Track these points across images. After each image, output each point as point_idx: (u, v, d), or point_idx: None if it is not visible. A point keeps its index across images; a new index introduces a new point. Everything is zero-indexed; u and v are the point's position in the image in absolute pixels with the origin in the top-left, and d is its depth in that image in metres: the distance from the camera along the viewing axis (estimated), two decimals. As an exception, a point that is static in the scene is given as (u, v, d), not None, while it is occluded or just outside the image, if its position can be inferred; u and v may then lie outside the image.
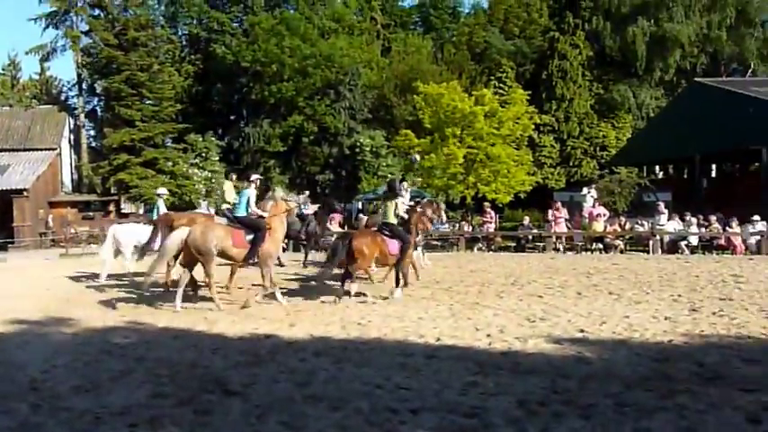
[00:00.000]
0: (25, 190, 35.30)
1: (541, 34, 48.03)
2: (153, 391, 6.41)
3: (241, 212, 11.89)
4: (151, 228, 15.09)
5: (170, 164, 40.25)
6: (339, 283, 12.30)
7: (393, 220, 12.72)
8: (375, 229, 13.26)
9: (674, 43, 45.55)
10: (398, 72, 46.26)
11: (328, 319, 10.07)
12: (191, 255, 11.48)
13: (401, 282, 12.46)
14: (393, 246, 12.30)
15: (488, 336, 8.54)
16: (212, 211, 17.65)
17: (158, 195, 17.38)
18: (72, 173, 43.48)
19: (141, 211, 39.46)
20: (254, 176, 12.77)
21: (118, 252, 16.06)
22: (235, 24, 47.62)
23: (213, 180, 39.74)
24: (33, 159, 37.98)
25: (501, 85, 43.10)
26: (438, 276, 15.14)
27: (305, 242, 18.96)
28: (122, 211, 40.12)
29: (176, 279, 12.75)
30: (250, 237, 11.56)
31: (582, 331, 8.64)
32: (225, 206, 13.86)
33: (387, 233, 12.46)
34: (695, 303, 10.57)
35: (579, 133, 45.87)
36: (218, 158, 42.14)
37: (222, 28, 46.47)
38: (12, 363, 7.81)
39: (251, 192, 12.04)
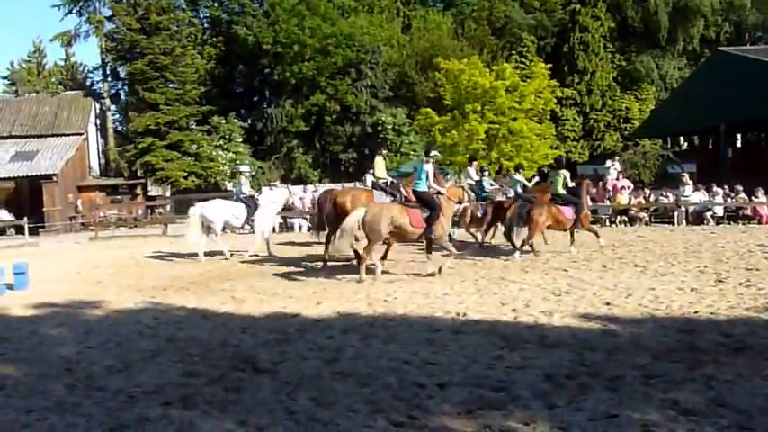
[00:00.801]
0: (54, 175, 35.69)
1: (562, 7, 47.38)
2: (184, 370, 6.52)
3: (421, 187, 11.92)
4: (238, 205, 16.30)
5: (195, 146, 40.58)
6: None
7: (562, 191, 14.47)
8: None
9: (696, 13, 44.94)
10: (419, 49, 45.92)
11: (354, 296, 10.12)
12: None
13: (574, 241, 14.61)
14: (568, 211, 14.24)
15: (514, 310, 8.56)
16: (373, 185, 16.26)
17: (240, 173, 17.65)
18: (99, 157, 43.85)
19: (168, 194, 39.84)
20: (433, 152, 12.84)
21: (209, 230, 16.26)
22: (255, 5, 47.38)
23: (238, 161, 40.00)
24: (61, 145, 38.34)
25: (522, 59, 42.69)
26: (463, 251, 15.15)
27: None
28: (149, 193, 40.49)
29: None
30: (426, 215, 11.74)
31: (608, 304, 8.64)
32: (381, 180, 14.65)
33: (560, 202, 14.33)
34: (721, 274, 10.52)
35: (602, 106, 45.51)
36: (241, 140, 42.36)
37: (243, 9, 46.32)
38: (46, 344, 7.95)
39: (430, 167, 12.00)
